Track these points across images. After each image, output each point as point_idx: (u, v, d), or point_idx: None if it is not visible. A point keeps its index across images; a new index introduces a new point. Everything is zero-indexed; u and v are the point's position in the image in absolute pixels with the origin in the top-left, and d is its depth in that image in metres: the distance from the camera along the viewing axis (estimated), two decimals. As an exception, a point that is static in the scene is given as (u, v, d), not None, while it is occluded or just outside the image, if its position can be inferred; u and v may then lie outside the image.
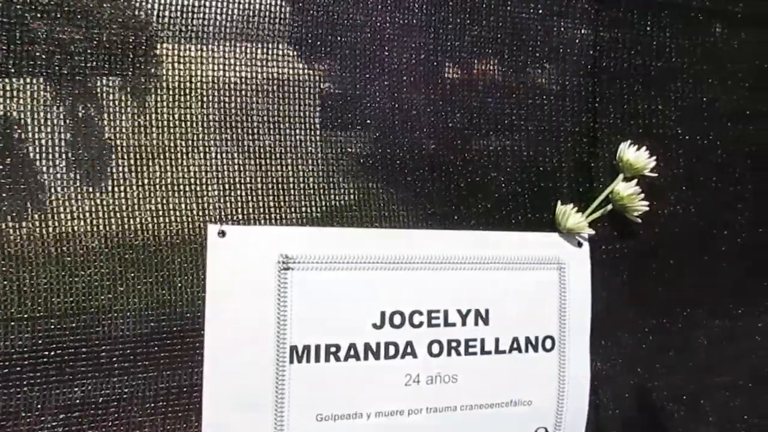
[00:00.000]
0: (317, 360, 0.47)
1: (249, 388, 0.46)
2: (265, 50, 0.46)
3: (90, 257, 0.43)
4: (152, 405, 0.44)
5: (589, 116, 0.57)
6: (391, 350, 0.49)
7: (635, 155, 0.56)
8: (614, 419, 0.59)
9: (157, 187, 0.45)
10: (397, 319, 0.49)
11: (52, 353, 0.41)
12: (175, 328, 0.45)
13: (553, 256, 0.54)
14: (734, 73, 0.62)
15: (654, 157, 0.56)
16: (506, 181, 0.54)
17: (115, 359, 0.43)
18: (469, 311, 0.51)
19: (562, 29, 0.55)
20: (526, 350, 0.53)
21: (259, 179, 0.47)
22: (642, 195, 0.56)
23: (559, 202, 0.55)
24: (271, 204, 0.47)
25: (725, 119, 0.62)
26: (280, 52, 0.47)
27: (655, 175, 0.57)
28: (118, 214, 0.43)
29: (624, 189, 0.56)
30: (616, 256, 0.58)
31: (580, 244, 0.56)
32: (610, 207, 0.56)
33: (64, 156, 0.42)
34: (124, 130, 0.43)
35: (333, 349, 0.48)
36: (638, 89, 0.58)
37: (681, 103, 0.60)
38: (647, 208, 0.56)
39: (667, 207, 0.60)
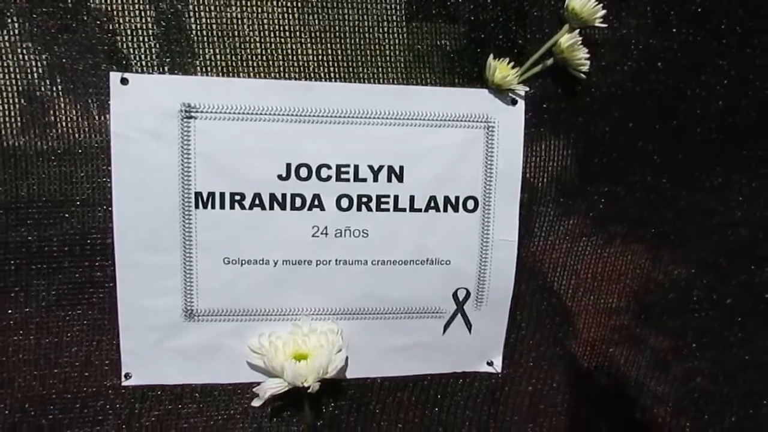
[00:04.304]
0: (222, 207, 0.52)
1: (157, 230, 0.52)
2: None
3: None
4: (68, 242, 0.51)
5: (534, -42, 0.54)
6: (298, 202, 0.53)
7: (582, 3, 0.53)
8: (549, 289, 0.60)
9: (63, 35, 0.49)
10: (303, 172, 0.53)
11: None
12: (83, 174, 0.50)
13: (480, 113, 0.55)
14: None
15: (601, 6, 0.53)
16: (433, 33, 0.54)
17: (32, 198, 0.50)
18: (381, 167, 0.54)
19: None
20: (445, 209, 0.55)
21: (164, 26, 0.50)
22: (584, 48, 0.53)
23: (491, 56, 0.53)
24: (176, 53, 0.50)
25: (711, -39, 0.56)
26: None
27: (605, 26, 0.54)
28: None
29: (565, 41, 0.53)
30: (561, 116, 0.57)
31: (514, 102, 0.55)
32: (551, 61, 0.55)
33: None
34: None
35: (238, 198, 0.52)
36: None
37: (652, -59, 0.55)
38: (588, 62, 0.54)
39: (627, 63, 0.57)
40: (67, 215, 0.51)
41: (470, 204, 0.56)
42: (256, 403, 0.55)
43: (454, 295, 0.57)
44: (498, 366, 0.60)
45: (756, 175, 0.61)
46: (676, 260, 0.62)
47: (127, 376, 0.54)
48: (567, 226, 0.59)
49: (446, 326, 0.58)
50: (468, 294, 0.57)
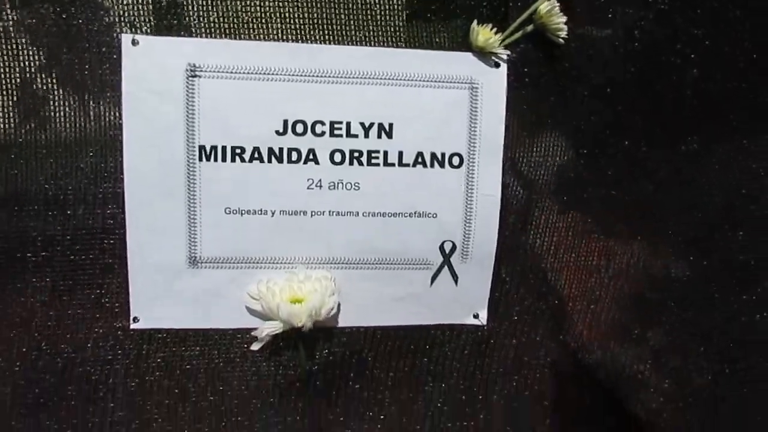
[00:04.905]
0: (224, 159, 0.56)
1: (164, 181, 0.57)
2: None
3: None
4: (82, 191, 0.55)
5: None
6: (294, 156, 0.57)
7: (560, -29, 0.57)
8: (532, 245, 0.63)
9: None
10: (299, 128, 0.57)
11: None
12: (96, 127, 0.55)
13: (465, 76, 0.59)
14: None
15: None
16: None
17: (50, 149, 0.55)
18: (372, 124, 0.58)
19: None
20: (432, 165, 0.59)
21: (171, -6, 0.55)
22: (562, 14, 0.57)
23: (475, 21, 0.57)
24: (182, 15, 0.55)
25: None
26: None
27: (583, -8, 0.58)
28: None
29: (544, 7, 0.58)
30: (541, 80, 0.61)
31: (497, 65, 0.59)
32: (531, 28, 0.59)
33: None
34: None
35: (238, 151, 0.56)
36: None
37: None
38: (565, 27, 0.58)
39: (604, 30, 0.61)
40: (81, 165, 0.56)
41: (455, 160, 0.59)
42: (254, 347, 0.59)
43: (441, 248, 0.61)
44: (483, 319, 0.64)
45: (730, 143, 0.65)
46: (652, 220, 0.65)
47: (135, 319, 0.59)
48: (548, 185, 0.63)
49: (434, 278, 0.62)
50: (454, 246, 0.61)
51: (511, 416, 0.67)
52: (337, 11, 0.57)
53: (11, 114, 0.54)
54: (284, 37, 0.57)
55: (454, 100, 0.59)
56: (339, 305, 0.61)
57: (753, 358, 0.70)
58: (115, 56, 0.55)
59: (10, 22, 0.53)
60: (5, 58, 0.53)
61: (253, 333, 0.59)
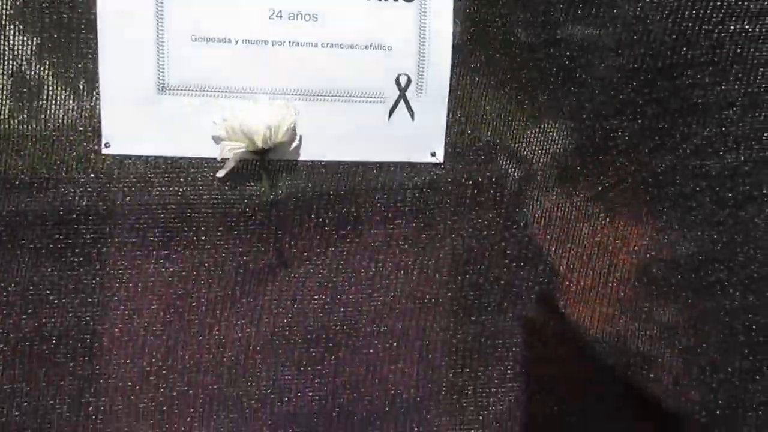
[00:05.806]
0: (189, -13, 0.61)
1: (133, 7, 0.61)
2: None
3: None
4: (55, 16, 0.60)
5: None
6: (255, -15, 0.61)
7: None
8: (485, 86, 0.67)
9: None
10: (260, -43, 0.61)
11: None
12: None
13: None
14: None
15: None
16: None
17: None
18: (328, -44, 0.62)
19: None
20: (386, -1, 0.63)
21: None
22: None
23: None
24: None
25: None
26: None
27: None
28: None
29: None
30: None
31: None
32: None
33: None
34: None
35: (203, -21, 0.61)
36: None
37: None
38: None
39: None
40: (56, -9, 0.60)
41: (408, -6, 0.64)
42: (220, 173, 0.63)
43: (397, 81, 0.65)
44: (440, 156, 0.67)
45: None
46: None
47: (107, 144, 0.62)
48: (502, 38, 0.67)
49: (391, 112, 0.65)
50: (409, 80, 0.65)
51: (468, 254, 0.70)
52: None
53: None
54: None
55: (408, -65, 0.63)
56: (300, 138, 0.64)
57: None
58: None
59: None
60: None
61: (218, 157, 0.62)
